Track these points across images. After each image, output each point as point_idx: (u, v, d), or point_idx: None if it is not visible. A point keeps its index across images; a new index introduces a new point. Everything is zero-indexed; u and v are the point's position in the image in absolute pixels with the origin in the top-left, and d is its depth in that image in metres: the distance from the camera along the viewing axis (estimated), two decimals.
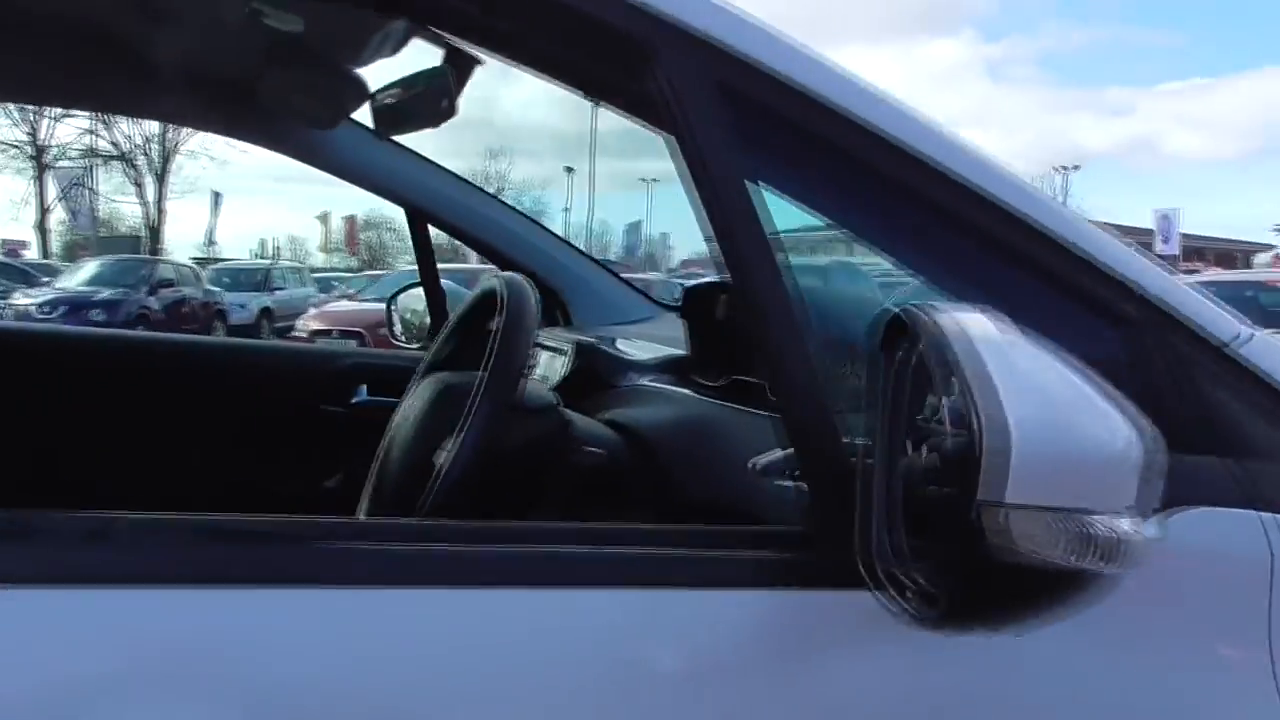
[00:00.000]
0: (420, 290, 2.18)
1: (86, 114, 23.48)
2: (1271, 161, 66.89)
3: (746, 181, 0.60)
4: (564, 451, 1.11)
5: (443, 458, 0.96)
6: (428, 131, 1.55)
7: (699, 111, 0.59)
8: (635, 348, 1.37)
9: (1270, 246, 32.76)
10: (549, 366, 1.41)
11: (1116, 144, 69.90)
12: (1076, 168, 43.30)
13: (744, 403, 1.13)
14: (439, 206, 1.92)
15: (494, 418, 0.94)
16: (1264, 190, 61.13)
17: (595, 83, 0.62)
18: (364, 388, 1.99)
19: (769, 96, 0.62)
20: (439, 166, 1.91)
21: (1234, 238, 37.70)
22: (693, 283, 1.37)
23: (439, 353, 1.24)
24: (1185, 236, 28.26)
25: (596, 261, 2.06)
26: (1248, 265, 27.09)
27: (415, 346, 2.13)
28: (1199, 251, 30.21)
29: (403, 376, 2.08)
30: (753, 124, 0.62)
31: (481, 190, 1.95)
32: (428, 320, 2.14)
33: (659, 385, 1.30)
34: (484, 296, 1.16)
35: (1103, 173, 72.45)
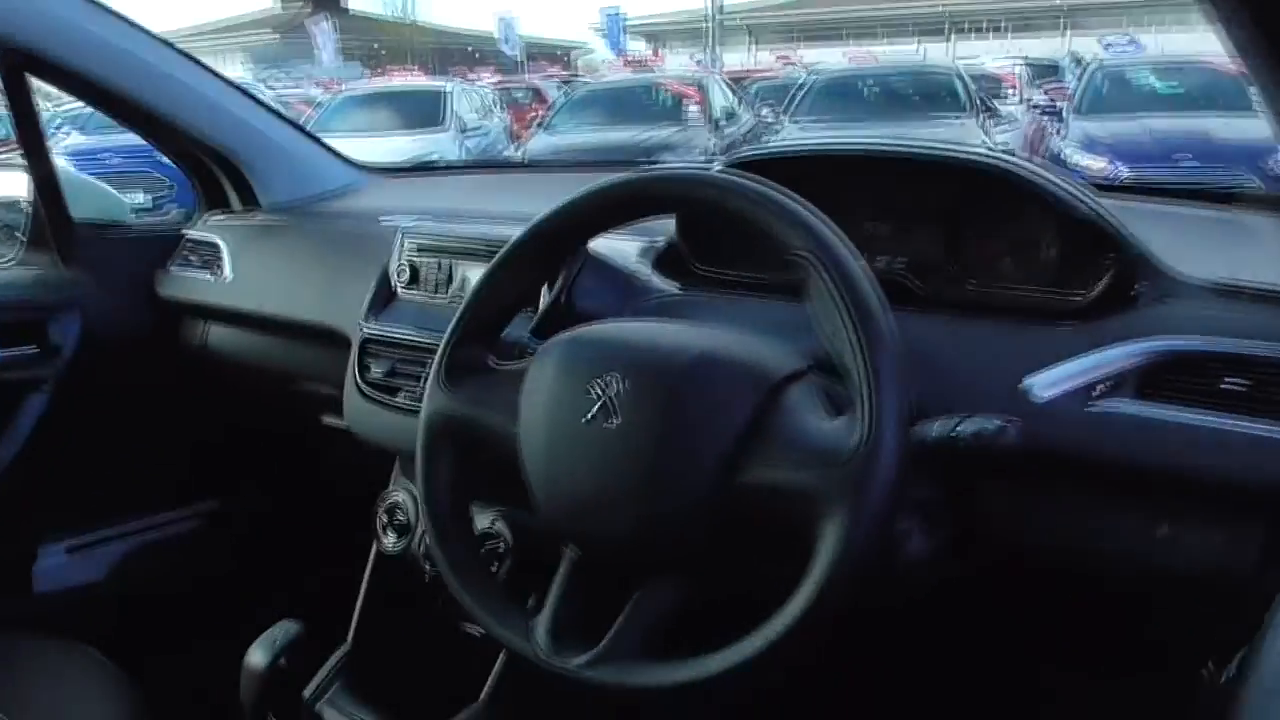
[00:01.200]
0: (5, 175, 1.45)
1: None
2: None
3: None
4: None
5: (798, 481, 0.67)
6: None
7: None
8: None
9: (589, 48, 36.80)
10: None
11: None
12: None
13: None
14: (50, 45, 1.23)
15: (904, 419, 0.66)
16: None
17: None
18: None
19: None
20: None
21: (560, 39, 41.81)
22: (739, 154, 1.01)
23: (487, 300, 0.81)
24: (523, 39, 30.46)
25: (279, 115, 1.53)
26: (574, 66, 30.24)
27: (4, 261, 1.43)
28: (538, 54, 32.92)
29: (29, 326, 1.35)
30: None
31: (123, 18, 1.29)
32: (19, 219, 1.43)
33: (690, 295, 0.98)
34: (626, 193, 0.78)
35: None
